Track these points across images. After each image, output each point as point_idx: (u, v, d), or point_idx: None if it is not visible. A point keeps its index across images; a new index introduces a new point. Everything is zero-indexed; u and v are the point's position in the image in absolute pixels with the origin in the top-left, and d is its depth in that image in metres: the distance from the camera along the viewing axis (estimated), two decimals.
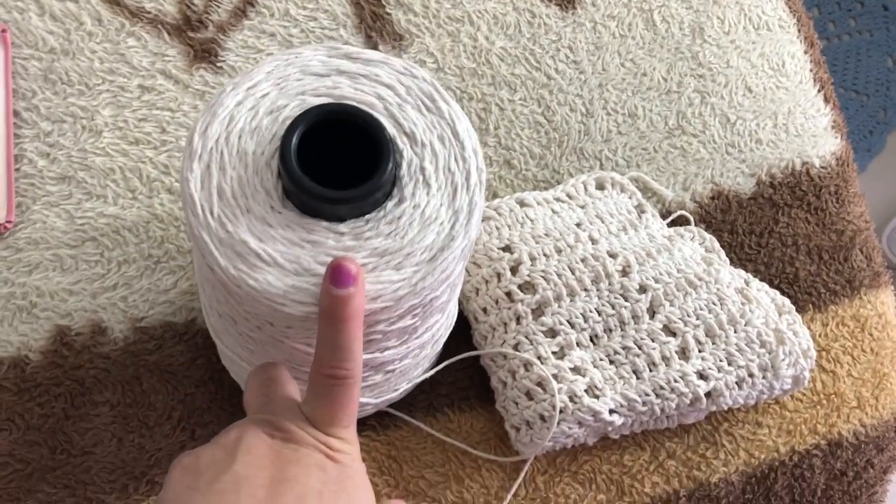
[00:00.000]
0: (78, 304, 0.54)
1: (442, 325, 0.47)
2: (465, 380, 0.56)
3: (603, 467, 0.55)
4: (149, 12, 0.59)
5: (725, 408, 0.53)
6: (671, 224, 0.60)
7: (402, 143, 0.37)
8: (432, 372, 0.52)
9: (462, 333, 0.54)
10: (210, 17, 0.60)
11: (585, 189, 0.59)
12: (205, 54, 0.59)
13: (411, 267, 0.36)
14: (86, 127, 0.57)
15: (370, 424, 0.54)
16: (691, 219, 0.61)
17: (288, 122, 0.36)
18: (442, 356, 0.53)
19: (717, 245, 0.59)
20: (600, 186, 0.60)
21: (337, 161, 0.38)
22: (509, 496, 0.54)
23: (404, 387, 0.50)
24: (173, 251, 0.56)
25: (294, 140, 0.35)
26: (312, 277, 0.35)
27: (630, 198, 0.60)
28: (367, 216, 0.36)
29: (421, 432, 0.55)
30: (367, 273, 0.35)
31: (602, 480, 0.55)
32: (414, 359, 0.46)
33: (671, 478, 0.56)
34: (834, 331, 0.60)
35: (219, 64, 0.59)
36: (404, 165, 0.37)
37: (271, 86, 0.38)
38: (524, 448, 0.52)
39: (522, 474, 0.54)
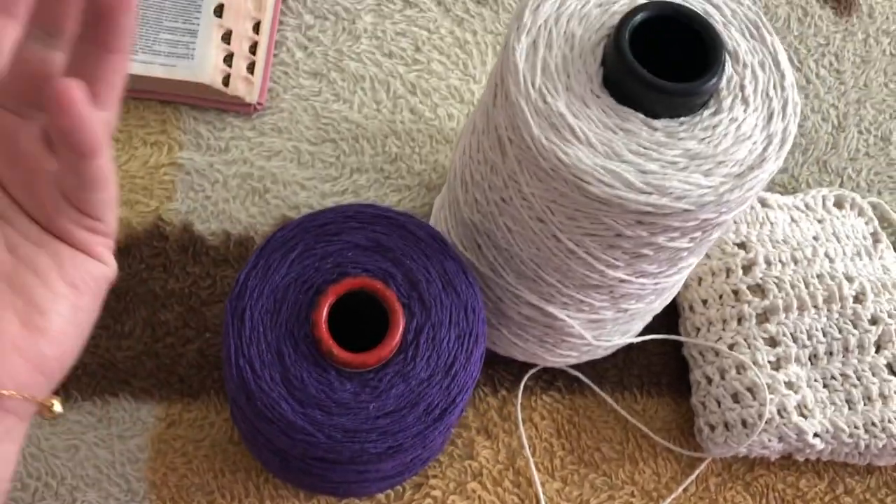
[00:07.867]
0: (307, 199, 0.54)
1: (681, 281, 0.46)
2: (658, 365, 0.55)
3: (777, 485, 0.54)
4: None
5: None
6: None
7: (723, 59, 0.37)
8: (639, 339, 0.51)
9: (664, 319, 0.53)
10: None
11: (824, 203, 0.57)
12: None
13: (720, 177, 0.35)
14: (346, 29, 0.57)
15: (557, 386, 0.54)
16: None
17: (618, 16, 0.37)
18: (643, 334, 0.52)
19: None
20: (839, 204, 0.57)
21: (651, 61, 0.38)
22: (680, 489, 0.53)
23: (614, 341, 0.49)
24: (404, 170, 0.56)
25: (629, 28, 0.36)
26: (622, 164, 0.35)
27: (867, 223, 0.57)
28: (681, 118, 0.36)
29: (605, 405, 0.54)
30: (675, 171, 0.35)
31: (773, 499, 0.54)
32: (647, 305, 0.46)
33: None
34: None
35: None
36: (724, 81, 0.37)
37: None
38: (714, 448, 0.51)
39: (698, 471, 0.53)
